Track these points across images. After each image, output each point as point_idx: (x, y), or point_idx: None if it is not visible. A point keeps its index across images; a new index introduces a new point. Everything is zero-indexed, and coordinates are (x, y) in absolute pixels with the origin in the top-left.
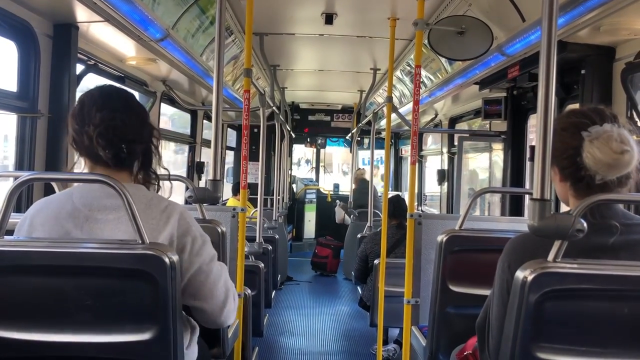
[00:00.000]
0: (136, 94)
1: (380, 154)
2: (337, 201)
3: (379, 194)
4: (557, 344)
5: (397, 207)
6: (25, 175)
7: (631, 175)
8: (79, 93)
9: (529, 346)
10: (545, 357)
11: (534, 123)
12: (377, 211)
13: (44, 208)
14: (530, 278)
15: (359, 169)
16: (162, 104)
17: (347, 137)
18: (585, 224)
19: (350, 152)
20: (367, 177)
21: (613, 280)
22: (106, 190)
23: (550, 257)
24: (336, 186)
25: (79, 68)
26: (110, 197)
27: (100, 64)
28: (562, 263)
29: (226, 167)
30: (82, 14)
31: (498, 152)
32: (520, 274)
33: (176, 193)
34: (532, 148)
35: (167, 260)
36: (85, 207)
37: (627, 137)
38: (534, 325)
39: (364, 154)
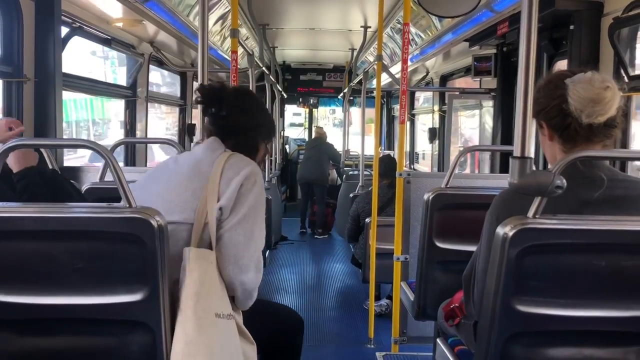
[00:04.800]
0: (124, 57)
1: (372, 113)
2: (330, 162)
3: (339, 152)
4: (536, 297)
5: (387, 166)
6: (11, 141)
7: (616, 123)
8: (64, 56)
9: (510, 299)
10: (525, 309)
11: None
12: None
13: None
14: (510, 234)
15: (318, 126)
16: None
17: (339, 97)
18: (564, 181)
19: (343, 111)
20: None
21: (590, 234)
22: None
23: (530, 213)
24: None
25: (64, 31)
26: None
27: (85, 27)
28: (541, 219)
29: None
30: None
31: (489, 110)
32: (500, 230)
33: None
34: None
35: (154, 223)
36: None
37: (609, 78)
38: (515, 279)
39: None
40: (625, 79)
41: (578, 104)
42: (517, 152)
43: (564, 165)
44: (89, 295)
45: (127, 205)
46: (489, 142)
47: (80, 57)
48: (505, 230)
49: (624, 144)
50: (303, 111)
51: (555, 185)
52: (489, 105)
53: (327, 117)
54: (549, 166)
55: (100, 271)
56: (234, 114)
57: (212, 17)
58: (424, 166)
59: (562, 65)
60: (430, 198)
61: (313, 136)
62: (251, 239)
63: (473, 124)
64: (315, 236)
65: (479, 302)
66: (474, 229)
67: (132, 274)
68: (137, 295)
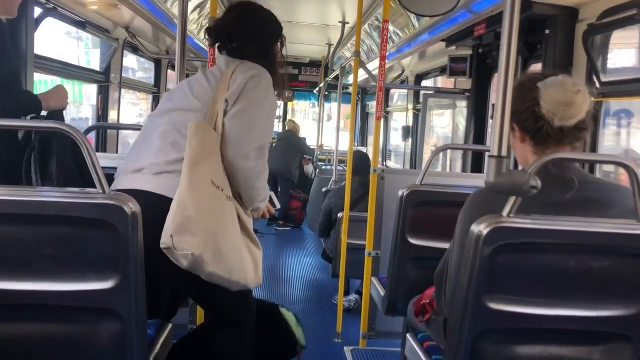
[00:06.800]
0: (98, 41)
1: (347, 109)
2: (305, 156)
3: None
4: (507, 295)
5: (359, 163)
6: None
7: (586, 126)
8: (37, 38)
9: (482, 297)
10: (496, 307)
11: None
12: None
13: None
14: (485, 232)
15: (290, 120)
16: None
17: (314, 92)
18: (539, 182)
19: (318, 106)
20: (298, 130)
21: (562, 235)
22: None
23: (505, 212)
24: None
25: (37, 11)
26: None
27: (59, 8)
28: (515, 218)
29: None
30: None
31: (462, 110)
32: (475, 229)
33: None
34: (495, 107)
35: (128, 210)
36: None
37: (580, 82)
38: (487, 277)
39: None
40: (597, 84)
41: (550, 107)
42: (494, 152)
43: (539, 165)
44: (58, 281)
45: (101, 192)
46: (461, 141)
47: (53, 38)
48: (480, 228)
49: (593, 148)
50: (281, 103)
51: (531, 185)
52: (462, 105)
53: (306, 110)
54: (520, 167)
55: (71, 257)
56: (248, 43)
57: (190, 5)
58: (396, 164)
59: (536, 68)
60: (405, 194)
61: (286, 128)
62: (251, 130)
63: (445, 123)
64: (276, 228)
65: (450, 299)
66: (447, 227)
67: (104, 261)
68: (109, 283)
